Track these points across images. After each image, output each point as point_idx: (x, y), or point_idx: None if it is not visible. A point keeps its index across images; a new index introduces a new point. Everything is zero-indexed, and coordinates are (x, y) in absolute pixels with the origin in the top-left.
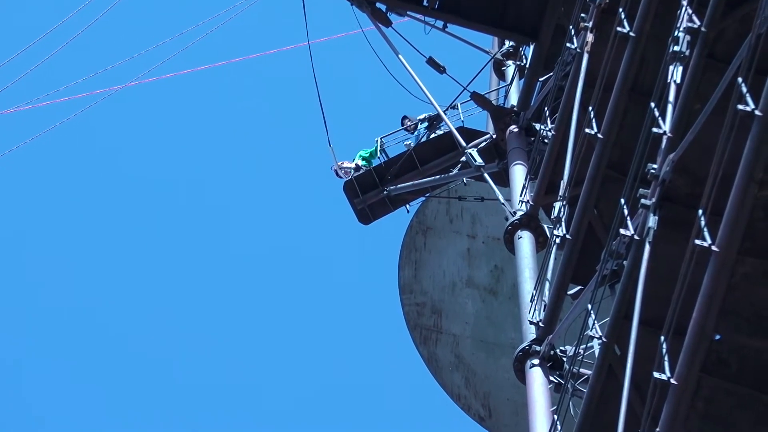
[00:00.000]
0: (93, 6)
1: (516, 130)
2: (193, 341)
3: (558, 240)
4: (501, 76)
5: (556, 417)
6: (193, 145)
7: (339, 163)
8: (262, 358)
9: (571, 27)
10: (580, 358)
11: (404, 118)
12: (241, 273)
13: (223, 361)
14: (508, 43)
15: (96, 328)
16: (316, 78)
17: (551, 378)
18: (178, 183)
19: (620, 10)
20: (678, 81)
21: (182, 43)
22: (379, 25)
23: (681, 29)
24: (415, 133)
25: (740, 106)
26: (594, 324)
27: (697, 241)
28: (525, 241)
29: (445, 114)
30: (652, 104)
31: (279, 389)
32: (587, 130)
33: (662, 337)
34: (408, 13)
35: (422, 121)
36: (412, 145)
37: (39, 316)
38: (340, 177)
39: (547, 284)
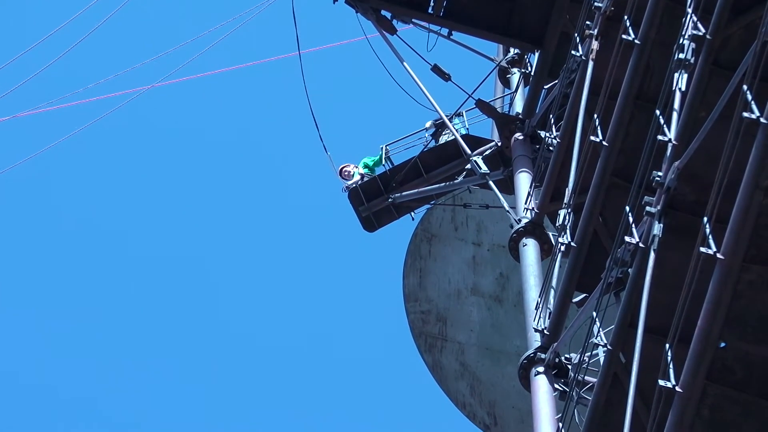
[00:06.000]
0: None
1: (521, 137)
2: (199, 346)
3: (563, 247)
4: (506, 83)
5: (561, 425)
6: (196, 151)
7: (342, 166)
8: (266, 364)
9: (576, 34)
10: (585, 365)
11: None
12: (245, 278)
13: (228, 367)
14: (513, 51)
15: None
16: (311, 86)
17: (556, 386)
18: (183, 188)
19: (625, 17)
20: (683, 88)
21: (192, 50)
22: (384, 32)
23: (686, 36)
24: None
25: (745, 114)
26: (599, 332)
27: (703, 249)
28: (530, 248)
29: (450, 122)
30: (658, 112)
31: (283, 396)
32: (592, 138)
33: (667, 345)
34: (413, 20)
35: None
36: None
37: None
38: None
39: (552, 292)
